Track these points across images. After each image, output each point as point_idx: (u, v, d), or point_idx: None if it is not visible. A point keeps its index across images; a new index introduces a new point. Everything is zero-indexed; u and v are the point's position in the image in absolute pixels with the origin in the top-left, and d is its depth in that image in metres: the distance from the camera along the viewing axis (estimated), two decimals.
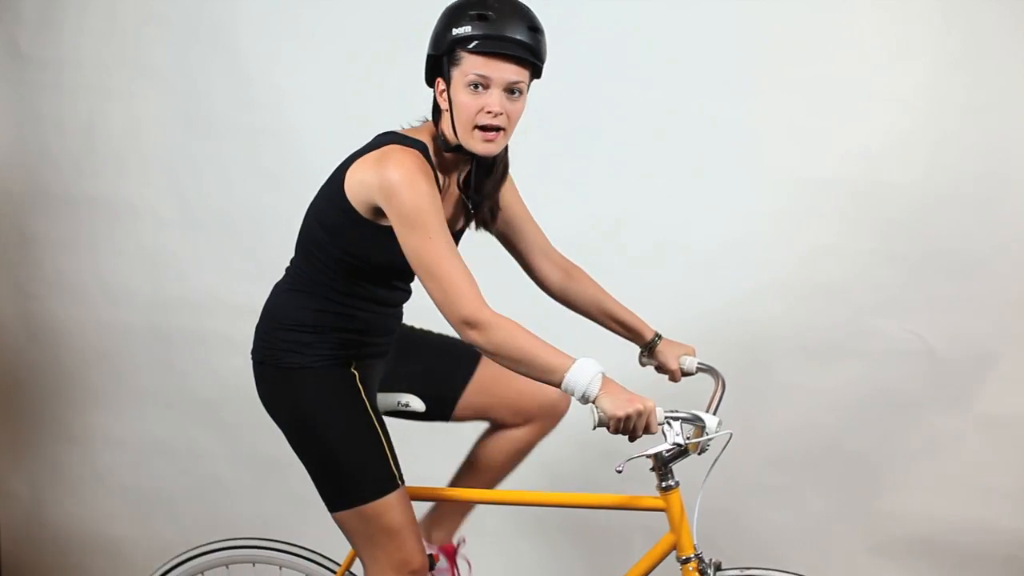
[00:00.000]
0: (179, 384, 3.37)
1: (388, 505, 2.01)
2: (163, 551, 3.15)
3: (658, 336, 2.30)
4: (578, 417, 2.45)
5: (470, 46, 1.88)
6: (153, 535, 3.40)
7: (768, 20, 3.04)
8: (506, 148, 2.07)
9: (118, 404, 3.41)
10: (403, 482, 2.05)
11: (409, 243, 1.88)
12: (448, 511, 2.34)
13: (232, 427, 3.34)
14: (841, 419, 3.11)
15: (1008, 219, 2.98)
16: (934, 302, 3.03)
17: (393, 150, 1.92)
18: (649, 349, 2.30)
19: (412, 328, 2.29)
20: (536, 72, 1.96)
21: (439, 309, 1.88)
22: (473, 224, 2.16)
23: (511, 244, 2.26)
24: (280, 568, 2.32)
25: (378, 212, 1.93)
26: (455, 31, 1.89)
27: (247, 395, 3.24)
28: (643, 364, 2.33)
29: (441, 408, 2.25)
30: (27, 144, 3.36)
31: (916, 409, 3.07)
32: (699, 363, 2.26)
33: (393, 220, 1.89)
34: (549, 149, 2.82)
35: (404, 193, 1.86)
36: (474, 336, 1.84)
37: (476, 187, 2.08)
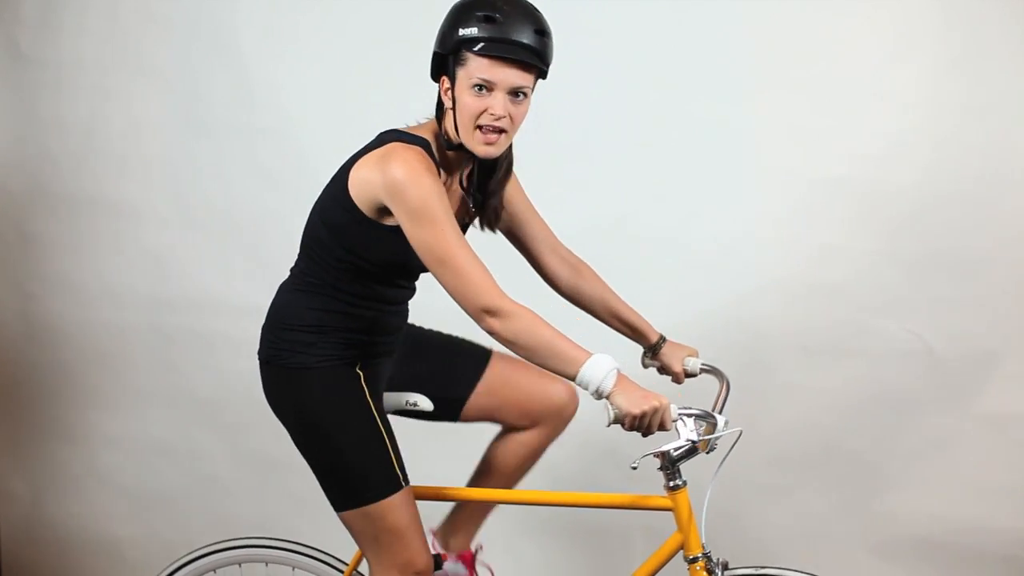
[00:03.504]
0: (179, 384, 3.37)
1: (392, 506, 2.01)
2: (163, 551, 3.15)
3: (662, 338, 2.30)
4: (578, 417, 2.45)
5: (476, 48, 1.87)
6: (153, 535, 3.40)
7: (768, 20, 3.04)
8: (510, 147, 2.06)
9: (118, 404, 3.41)
10: (408, 482, 2.05)
11: (419, 237, 1.87)
12: (464, 518, 2.34)
13: (232, 427, 3.34)
14: (841, 419, 3.11)
15: (1008, 219, 2.98)
16: (934, 302, 3.03)
17: (396, 148, 1.92)
18: (653, 351, 2.31)
19: (420, 328, 2.29)
20: (541, 74, 1.96)
21: (456, 300, 1.87)
22: (477, 223, 2.16)
23: (518, 241, 2.26)
24: (293, 569, 2.32)
25: (382, 211, 1.93)
26: (462, 31, 1.88)
27: (247, 395, 3.26)
28: (645, 366, 2.34)
29: (449, 409, 2.24)
30: (27, 144, 3.37)
31: (916, 409, 3.07)
32: (703, 364, 2.26)
33: (400, 217, 1.88)
34: (549, 149, 2.82)
35: (410, 189, 1.85)
36: (494, 324, 1.84)
37: (479, 186, 2.08)
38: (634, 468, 1.83)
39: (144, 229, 3.35)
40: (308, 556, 2.30)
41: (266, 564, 2.33)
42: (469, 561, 2.32)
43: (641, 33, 3.07)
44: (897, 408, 3.08)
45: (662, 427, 1.82)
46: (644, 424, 1.80)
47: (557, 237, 2.29)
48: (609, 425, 1.82)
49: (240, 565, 2.34)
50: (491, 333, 1.86)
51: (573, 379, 1.83)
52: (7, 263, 3.42)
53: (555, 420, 2.28)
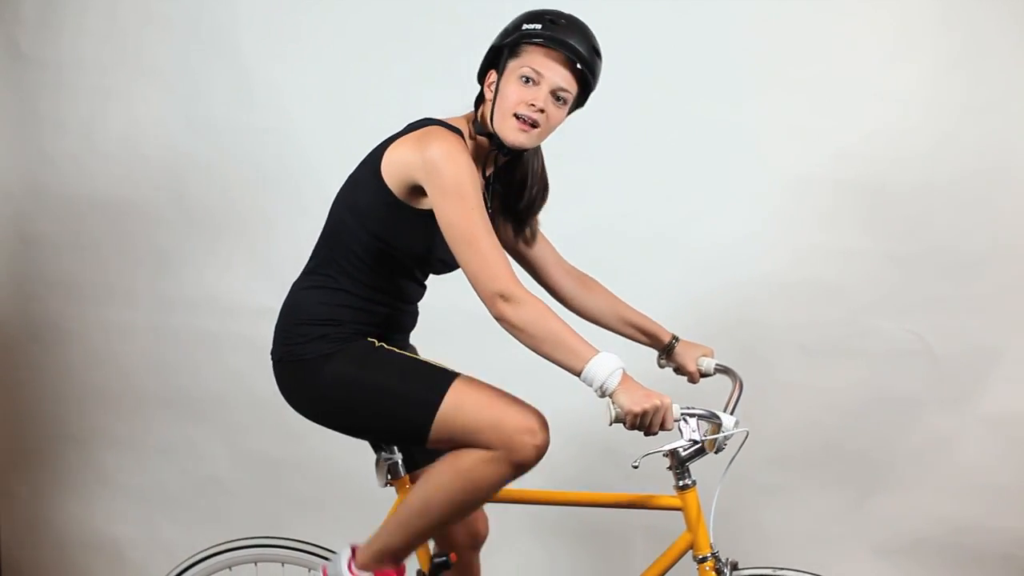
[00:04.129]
0: (179, 384, 3.37)
1: (462, 388, 1.94)
2: (163, 551, 3.16)
3: (675, 338, 2.32)
4: (579, 417, 2.46)
5: (535, 40, 1.98)
6: (153, 535, 3.40)
7: (768, 20, 3.04)
8: (544, 169, 2.15)
9: (119, 404, 3.41)
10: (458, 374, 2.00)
11: (448, 214, 1.89)
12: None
13: (232, 427, 3.34)
14: (841, 419, 3.11)
15: (1008, 219, 2.98)
16: (934, 302, 3.03)
17: (434, 130, 1.98)
18: (667, 352, 2.32)
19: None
20: (582, 95, 2.05)
21: (472, 281, 1.89)
22: (515, 240, 2.22)
23: (525, 259, 2.29)
24: (283, 564, 2.32)
25: (415, 191, 1.96)
26: (526, 26, 2.01)
27: (248, 395, 3.27)
28: (661, 366, 2.35)
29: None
30: (27, 144, 3.37)
31: (916, 409, 3.08)
32: (717, 364, 2.27)
33: (433, 194, 1.91)
34: (549, 150, 2.81)
35: (447, 166, 1.89)
36: (505, 309, 1.85)
37: (508, 205, 2.15)
38: (635, 467, 1.84)
39: (144, 229, 3.35)
40: (297, 550, 2.30)
41: (255, 564, 2.33)
42: None
43: (641, 33, 3.07)
44: (897, 408, 3.08)
45: (664, 427, 1.83)
46: (645, 423, 1.80)
47: (559, 253, 2.32)
48: (611, 423, 1.82)
49: (231, 568, 2.33)
50: (500, 319, 1.86)
51: (578, 374, 1.83)
52: (7, 263, 3.42)
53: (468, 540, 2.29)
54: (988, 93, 2.96)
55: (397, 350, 2.04)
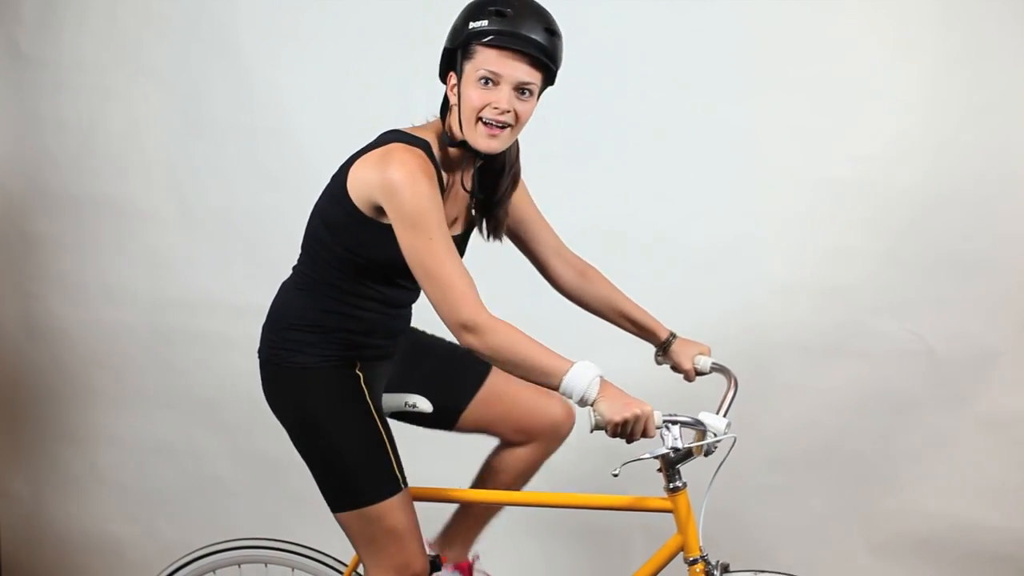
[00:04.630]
0: (179, 384, 3.37)
1: (390, 508, 2.00)
2: (163, 551, 3.15)
3: (673, 335, 2.30)
4: (579, 418, 2.45)
5: (485, 40, 1.89)
6: (153, 535, 3.40)
7: (768, 20, 3.04)
8: (519, 156, 2.09)
9: (118, 404, 3.41)
10: (406, 484, 2.05)
11: (408, 243, 1.88)
12: (462, 528, 2.33)
13: (232, 427, 3.34)
14: (841, 419, 3.11)
15: (1008, 219, 2.98)
16: (935, 302, 3.03)
17: (396, 148, 1.92)
18: (664, 348, 2.30)
19: (423, 333, 2.29)
20: (549, 77, 1.96)
21: (436, 311, 1.88)
22: (484, 233, 2.15)
23: (524, 245, 2.27)
24: (292, 570, 2.32)
25: (380, 210, 1.93)
26: (472, 25, 1.91)
27: (247, 395, 3.25)
28: (658, 363, 2.34)
29: (445, 417, 2.24)
30: (27, 144, 3.37)
31: (916, 409, 3.07)
32: (713, 363, 2.26)
33: (393, 219, 1.89)
34: (549, 149, 2.82)
35: (405, 193, 1.85)
36: (471, 340, 1.84)
37: (483, 188, 2.07)
38: (615, 475, 1.83)
39: (144, 229, 3.35)
40: (307, 557, 2.30)
41: (266, 565, 2.33)
42: (467, 571, 2.32)
43: (642, 33, 3.07)
44: (897, 408, 3.08)
45: (645, 434, 1.82)
46: (626, 431, 1.80)
47: (562, 241, 2.29)
48: (592, 431, 1.82)
49: (240, 566, 2.34)
50: (469, 348, 1.86)
51: (557, 389, 1.82)
52: (7, 263, 3.42)
53: (550, 437, 2.28)
54: (988, 93, 2.95)
55: (375, 413, 2.05)
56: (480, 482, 2.32)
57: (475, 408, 2.24)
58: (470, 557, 2.35)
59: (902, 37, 3.00)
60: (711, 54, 3.06)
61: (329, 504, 2.06)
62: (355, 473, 2.01)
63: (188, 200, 3.32)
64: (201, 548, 2.34)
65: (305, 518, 3.21)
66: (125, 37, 3.29)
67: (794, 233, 3.08)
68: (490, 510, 2.33)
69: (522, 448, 2.27)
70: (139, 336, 3.38)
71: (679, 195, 3.11)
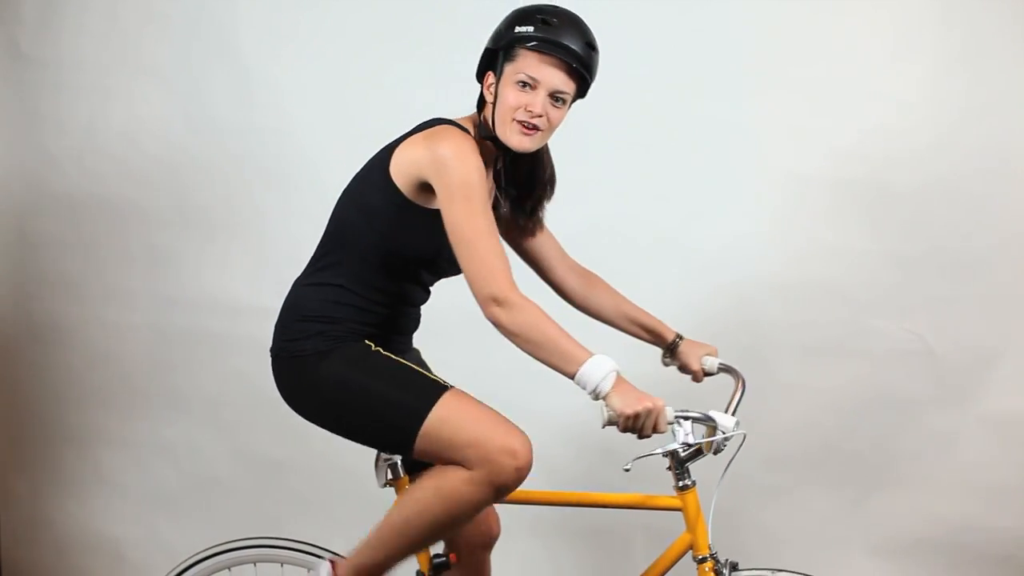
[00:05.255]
0: (179, 384, 3.37)
1: (451, 402, 1.93)
2: (163, 551, 3.16)
3: (679, 337, 2.31)
4: (578, 418, 2.46)
5: (528, 44, 1.96)
6: (153, 535, 3.40)
7: (768, 20, 3.04)
8: (551, 162, 2.15)
9: (118, 404, 3.41)
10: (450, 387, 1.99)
11: (453, 213, 1.89)
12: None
13: (232, 427, 3.34)
14: (841, 419, 3.11)
15: (1008, 219, 2.98)
16: (934, 302, 3.03)
17: (445, 128, 1.98)
18: (671, 350, 2.31)
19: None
20: (582, 90, 2.03)
21: (469, 283, 1.89)
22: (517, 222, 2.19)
23: (530, 256, 2.29)
24: (282, 565, 2.31)
25: (424, 190, 1.96)
26: (518, 29, 1.97)
27: (247, 395, 3.27)
28: (665, 364, 2.35)
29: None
30: (27, 144, 3.37)
31: (916, 409, 3.08)
32: (720, 363, 2.27)
33: (441, 192, 1.91)
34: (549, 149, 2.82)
35: (456, 166, 1.89)
36: (499, 313, 1.85)
37: (516, 203, 2.13)
38: (627, 470, 1.84)
39: (144, 229, 3.35)
40: (295, 551, 2.28)
41: (255, 565, 2.32)
42: None
43: (641, 33, 3.07)
44: (897, 408, 3.08)
45: (657, 430, 1.82)
46: (638, 426, 1.81)
47: (564, 249, 2.31)
48: (604, 426, 1.82)
49: (230, 569, 2.32)
50: (494, 322, 1.87)
51: (572, 377, 1.83)
52: (7, 263, 3.42)
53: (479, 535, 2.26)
54: (988, 93, 2.96)
55: (393, 356, 2.02)
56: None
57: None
58: None
59: (902, 37, 3.00)
60: (711, 54, 3.06)
61: (400, 448, 1.99)
62: (399, 398, 1.94)
63: (188, 200, 3.32)
64: (189, 557, 2.31)
65: (305, 518, 3.22)
66: (125, 37, 3.29)
67: (794, 233, 3.08)
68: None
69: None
70: (139, 336, 3.38)
71: (679, 195, 3.11)
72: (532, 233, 2.23)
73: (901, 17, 2.99)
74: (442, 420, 1.91)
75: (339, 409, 2.00)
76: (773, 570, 2.08)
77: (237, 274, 3.29)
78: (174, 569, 2.34)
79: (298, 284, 2.13)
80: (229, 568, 2.32)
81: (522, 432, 1.90)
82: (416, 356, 2.21)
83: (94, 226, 3.37)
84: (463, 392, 1.97)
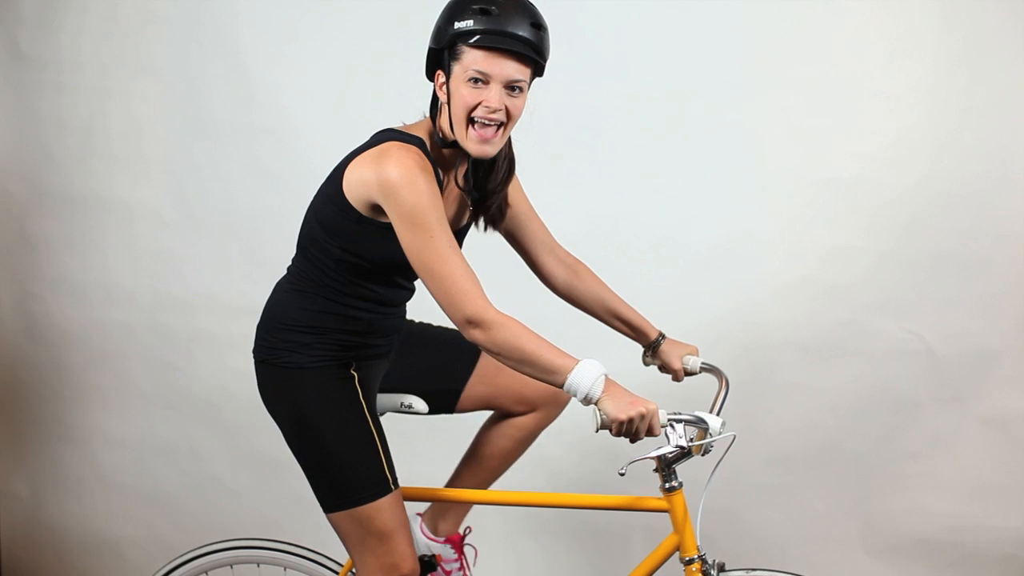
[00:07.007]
0: (179, 384, 3.37)
1: (379, 509, 2.00)
2: (163, 551, 3.15)
3: (662, 336, 2.29)
4: (578, 417, 2.45)
5: (471, 40, 1.86)
6: (153, 535, 3.40)
7: (768, 20, 3.04)
8: (511, 144, 2.06)
9: (118, 404, 3.41)
10: (397, 485, 2.05)
11: (409, 242, 1.87)
12: (453, 503, 2.32)
13: (232, 427, 3.34)
14: (841, 419, 3.11)
15: (1008, 219, 2.98)
16: (934, 302, 3.03)
17: (392, 147, 1.90)
18: (653, 348, 2.29)
19: (412, 322, 2.28)
20: (538, 70, 1.95)
21: (442, 308, 1.87)
22: (482, 224, 2.14)
23: (516, 241, 2.26)
24: (284, 569, 2.32)
25: (377, 209, 1.92)
26: (457, 24, 1.87)
27: (247, 395, 3.25)
28: (646, 364, 2.33)
29: (445, 401, 2.24)
30: (27, 144, 3.36)
31: (916, 409, 3.08)
32: (703, 363, 2.25)
33: (393, 219, 1.88)
34: (549, 149, 2.82)
35: (404, 191, 1.84)
36: (477, 335, 1.84)
37: (477, 185, 2.06)
38: (622, 474, 1.83)
39: (144, 229, 3.35)
40: (301, 556, 2.30)
41: (258, 565, 2.33)
42: (458, 544, 2.32)
43: (641, 33, 3.07)
44: (897, 408, 3.08)
45: (650, 433, 1.81)
46: (631, 430, 1.79)
47: (555, 238, 2.28)
48: (597, 431, 1.82)
49: (232, 567, 2.33)
50: (476, 343, 1.86)
51: (561, 387, 1.82)
52: (7, 263, 3.42)
53: (551, 405, 2.27)
54: (988, 93, 2.96)
55: (371, 417, 2.05)
56: (475, 454, 2.31)
57: (474, 386, 2.24)
58: (461, 530, 2.35)
59: (902, 37, 3.00)
60: (711, 54, 3.06)
61: (320, 503, 2.06)
62: (346, 474, 2.01)
63: (188, 200, 3.32)
64: (194, 549, 2.33)
65: (305, 518, 3.21)
66: (125, 37, 3.29)
67: (794, 233, 3.08)
68: (483, 485, 2.32)
69: (522, 417, 2.26)
70: (139, 336, 3.38)
71: (679, 195, 3.11)
72: (503, 215, 2.14)
73: (901, 17, 2.99)
74: (363, 518, 2.01)
75: (297, 439, 2.08)
76: (758, 569, 2.07)
77: (236, 274, 3.29)
78: (160, 569, 2.35)
79: (280, 288, 2.13)
80: (231, 566, 2.33)
81: (414, 560, 2.04)
82: (415, 354, 2.21)
83: (94, 226, 3.36)
84: (399, 500, 2.04)
